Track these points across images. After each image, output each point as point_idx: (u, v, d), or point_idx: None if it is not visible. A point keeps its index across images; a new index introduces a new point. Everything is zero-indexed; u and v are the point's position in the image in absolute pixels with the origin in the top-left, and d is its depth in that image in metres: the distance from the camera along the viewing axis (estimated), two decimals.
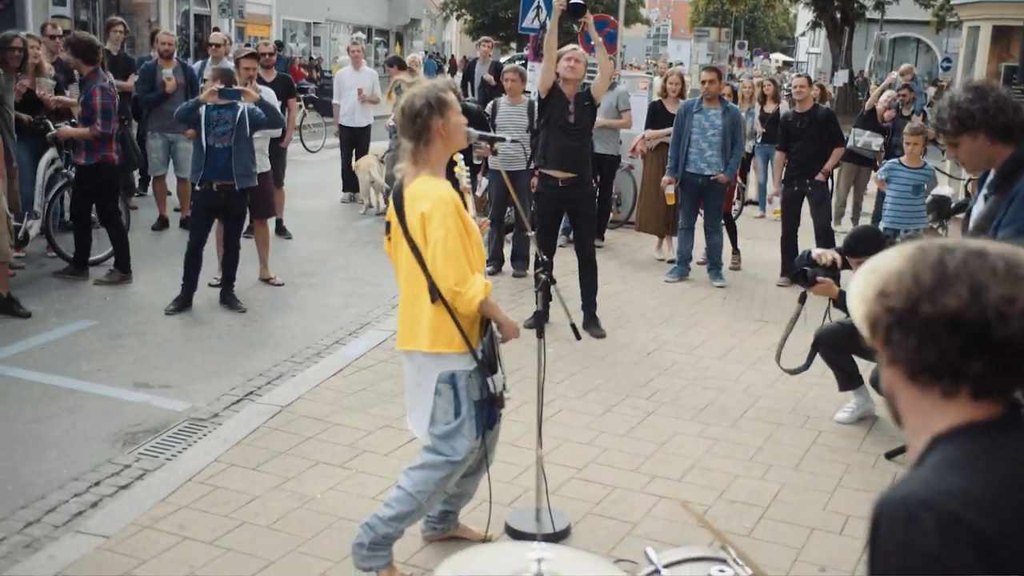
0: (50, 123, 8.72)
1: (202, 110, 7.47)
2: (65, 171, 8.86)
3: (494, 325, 3.82)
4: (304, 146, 17.71)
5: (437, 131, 3.71)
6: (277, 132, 8.81)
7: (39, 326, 7.20)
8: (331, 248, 10.44)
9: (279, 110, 8.70)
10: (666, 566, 2.79)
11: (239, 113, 7.52)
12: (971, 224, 4.07)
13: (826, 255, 5.32)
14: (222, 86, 7.40)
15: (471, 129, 3.92)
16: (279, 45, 25.14)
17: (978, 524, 1.42)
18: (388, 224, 3.89)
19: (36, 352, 6.69)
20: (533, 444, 5.10)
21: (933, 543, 1.41)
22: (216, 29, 17.51)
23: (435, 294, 3.67)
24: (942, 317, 1.52)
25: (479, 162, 9.37)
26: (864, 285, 1.67)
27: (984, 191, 3.97)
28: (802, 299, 5.47)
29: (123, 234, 8.54)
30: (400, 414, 5.64)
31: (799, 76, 9.80)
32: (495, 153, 4.21)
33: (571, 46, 7.74)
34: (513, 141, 4.41)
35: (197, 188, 7.66)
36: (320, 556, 4.16)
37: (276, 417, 5.63)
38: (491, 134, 4.26)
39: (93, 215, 8.45)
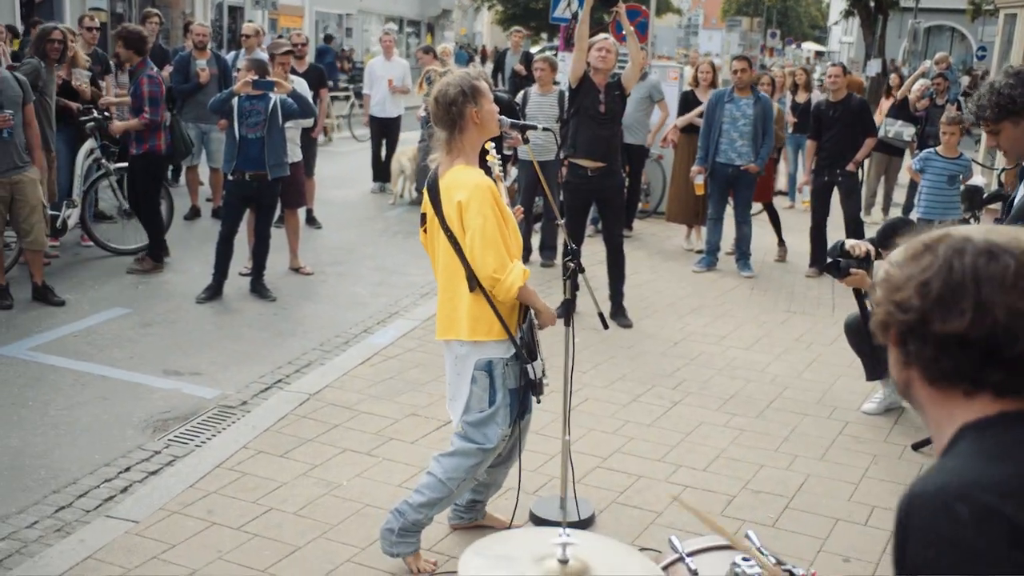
0: (95, 112, 8.88)
1: (235, 101, 7.53)
2: (103, 162, 8.98)
3: (532, 312, 3.83)
4: (353, 135, 17.93)
5: (471, 118, 3.73)
6: (309, 122, 8.86)
7: (72, 314, 7.30)
8: (360, 238, 10.49)
9: (311, 101, 8.77)
10: (690, 554, 2.80)
11: (271, 104, 7.58)
12: (1012, 213, 4.02)
13: (860, 246, 5.29)
14: (256, 77, 7.46)
15: (503, 117, 3.93)
16: (328, 38, 25.27)
17: (1014, 516, 1.41)
18: (423, 216, 3.90)
19: (69, 340, 6.79)
20: (559, 433, 5.12)
21: (971, 535, 1.40)
22: (249, 21, 17.59)
23: (473, 283, 3.69)
24: (952, 335, 1.51)
25: (509, 152, 9.37)
26: (879, 285, 1.66)
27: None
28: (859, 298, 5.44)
29: (159, 223, 8.66)
30: (427, 403, 5.71)
31: (834, 65, 9.70)
32: (526, 141, 4.19)
33: (602, 35, 7.71)
34: (545, 129, 4.39)
35: (230, 178, 7.73)
36: (346, 543, 4.20)
37: (304, 405, 5.68)
38: (522, 122, 4.25)
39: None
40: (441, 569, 4.01)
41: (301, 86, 8.63)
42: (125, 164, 8.71)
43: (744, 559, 2.73)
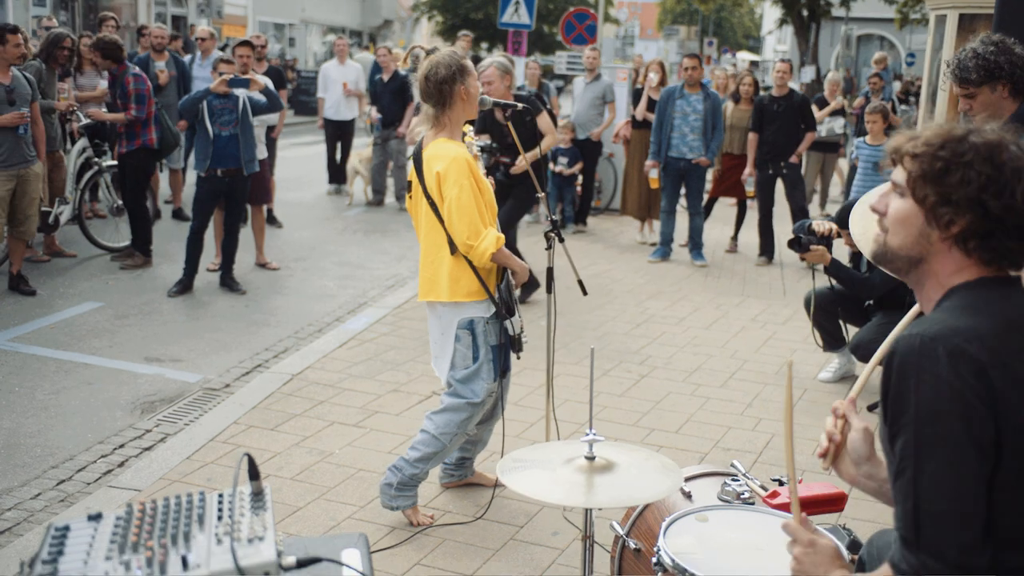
0: (80, 114, 9.10)
1: (204, 101, 7.72)
2: (95, 160, 9.12)
3: (508, 272, 4.09)
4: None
5: (459, 95, 3.98)
6: (275, 118, 9.04)
7: (45, 308, 7.40)
8: (321, 236, 10.66)
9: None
10: (687, 479, 3.08)
11: (241, 101, 7.77)
12: None
13: (824, 225, 5.62)
14: (231, 76, 7.67)
15: (485, 96, 4.19)
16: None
17: (978, 355, 1.76)
18: (409, 183, 4.15)
19: (46, 331, 6.89)
20: (537, 404, 5.40)
21: (943, 368, 1.75)
22: (193, 27, 17.63)
23: (453, 247, 3.94)
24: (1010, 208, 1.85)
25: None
26: (938, 180, 1.92)
27: None
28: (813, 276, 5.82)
29: (148, 218, 8.85)
30: (407, 380, 5.93)
31: (783, 61, 10.11)
32: (508, 119, 4.45)
33: (488, 61, 7.04)
34: (524, 107, 4.66)
35: (201, 175, 7.88)
36: (344, 502, 4.42)
37: (288, 384, 5.87)
38: (504, 101, 4.51)
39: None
40: (437, 522, 4.25)
41: (267, 85, 8.80)
42: (115, 163, 8.87)
43: (733, 479, 3.02)
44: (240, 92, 7.77)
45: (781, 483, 2.96)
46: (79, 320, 7.17)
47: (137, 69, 8.66)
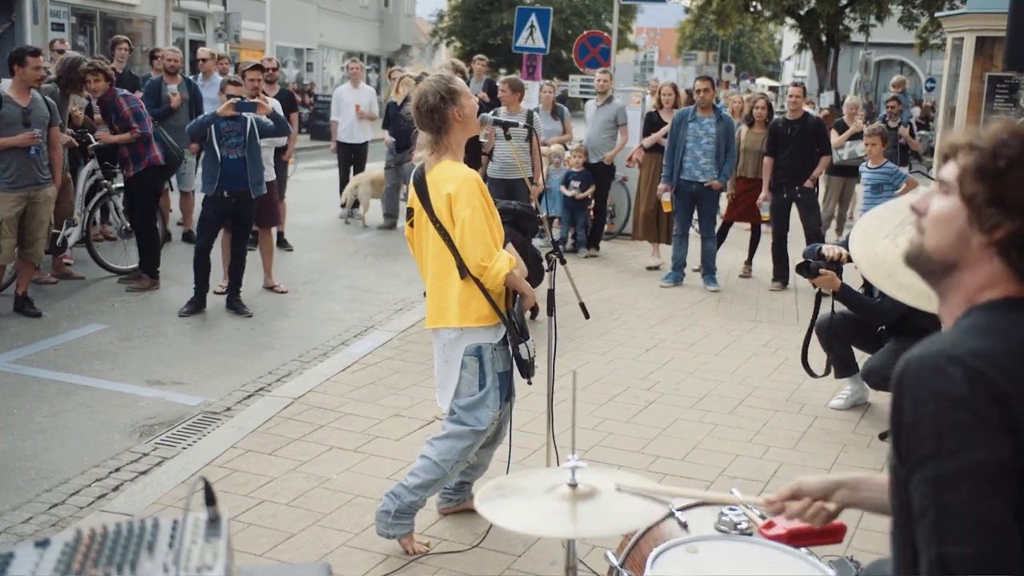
0: (92, 136, 9.15)
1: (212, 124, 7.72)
2: (105, 182, 9.13)
3: (518, 295, 4.00)
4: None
5: (453, 119, 3.91)
6: (283, 142, 9.02)
7: (50, 329, 7.36)
8: (331, 259, 10.61)
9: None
10: (679, 509, 2.96)
11: (248, 123, 7.75)
12: None
13: (834, 250, 5.51)
14: (238, 99, 7.66)
15: (485, 114, 4.11)
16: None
17: (998, 380, 1.60)
18: (410, 211, 4.06)
19: (49, 353, 6.84)
20: (541, 430, 5.28)
21: (962, 390, 1.58)
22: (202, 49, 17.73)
23: (464, 270, 3.85)
24: None
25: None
26: (994, 181, 1.78)
27: None
28: (817, 299, 5.68)
29: (156, 239, 8.83)
30: (409, 404, 5.84)
31: (795, 85, 10.03)
32: (508, 138, 4.36)
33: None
34: (525, 126, 4.57)
35: (208, 196, 7.86)
36: (339, 529, 4.32)
37: (289, 408, 5.79)
38: (503, 119, 4.43)
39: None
40: (433, 550, 4.14)
41: (276, 108, 8.79)
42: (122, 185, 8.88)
43: (731, 509, 2.90)
44: (247, 115, 7.75)
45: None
46: (83, 342, 7.12)
47: (125, 91, 8.66)
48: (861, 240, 2.75)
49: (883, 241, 2.75)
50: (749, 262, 10.27)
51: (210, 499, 1.79)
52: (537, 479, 2.32)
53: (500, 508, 2.14)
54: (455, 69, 9.55)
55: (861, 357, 6.04)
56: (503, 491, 2.25)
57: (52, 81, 8.30)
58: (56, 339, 7.15)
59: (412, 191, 4.03)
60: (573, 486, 2.18)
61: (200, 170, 8.80)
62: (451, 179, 3.83)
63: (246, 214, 7.98)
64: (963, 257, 1.77)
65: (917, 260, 1.85)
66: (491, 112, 9.91)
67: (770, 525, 2.68)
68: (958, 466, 1.57)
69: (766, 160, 9.58)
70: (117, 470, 5.02)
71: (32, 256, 7.66)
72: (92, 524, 1.81)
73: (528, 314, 7.70)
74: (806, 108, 11.34)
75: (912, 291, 2.42)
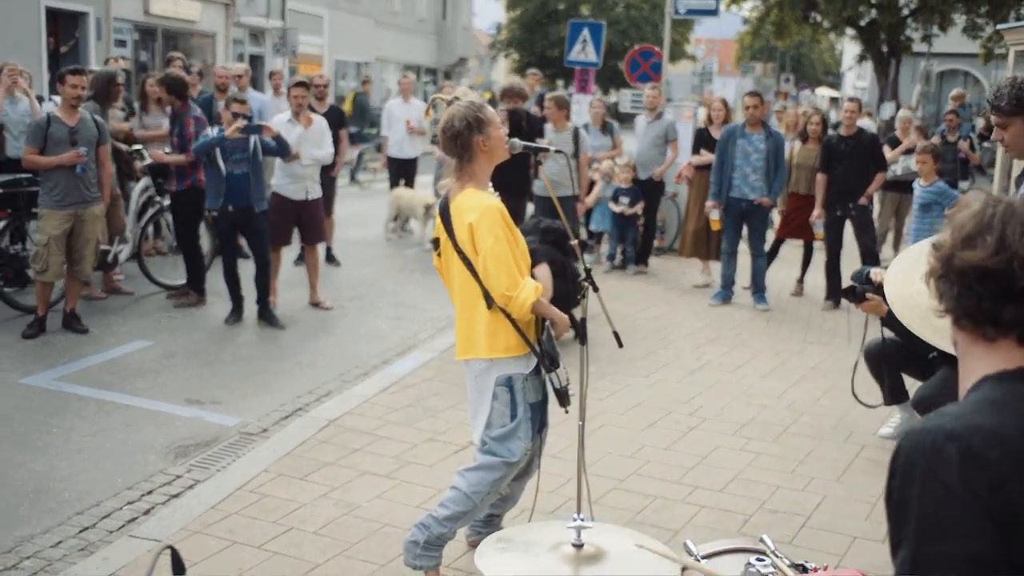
0: (144, 152, 9.26)
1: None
2: (157, 199, 9.23)
3: (548, 323, 3.90)
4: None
5: (478, 148, 3.82)
6: (328, 159, 9.01)
7: (96, 345, 7.42)
8: (379, 275, 10.60)
9: (332, 139, 8.99)
10: (704, 557, 2.84)
11: (253, 141, 7.82)
12: None
13: (882, 274, 5.32)
14: (245, 123, 7.68)
15: (515, 140, 4.02)
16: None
17: (998, 462, 1.49)
18: (436, 240, 3.99)
19: (93, 370, 6.89)
20: (574, 456, 5.16)
21: (953, 474, 1.48)
22: (235, 64, 17.89)
23: (490, 300, 3.76)
24: (971, 267, 1.61)
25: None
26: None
27: (1022, 189, 3.94)
28: (866, 326, 5.48)
29: (201, 256, 8.91)
30: (445, 428, 5.76)
31: (851, 100, 9.80)
32: (540, 163, 4.29)
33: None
34: (557, 151, 4.46)
35: (214, 214, 7.98)
36: (366, 560, 4.24)
37: (324, 430, 5.74)
38: (535, 144, 4.33)
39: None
40: None
41: (321, 125, 8.81)
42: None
43: (758, 559, 2.77)
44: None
45: (805, 569, 2.69)
46: (126, 359, 7.17)
47: (199, 111, 8.73)
48: (896, 280, 2.61)
49: (918, 283, 2.61)
50: (801, 280, 10.05)
51: (178, 568, 1.72)
52: (543, 533, 2.21)
53: (498, 565, 2.04)
54: (514, 92, 9.44)
55: (912, 384, 5.82)
56: (505, 545, 2.15)
57: (90, 98, 8.38)
58: (100, 356, 7.21)
59: (438, 220, 3.96)
60: (578, 547, 2.07)
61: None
62: (473, 208, 3.75)
63: (255, 225, 8.07)
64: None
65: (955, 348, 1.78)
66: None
67: None
68: (936, 553, 1.49)
69: (819, 177, 9.34)
70: (150, 492, 5.01)
71: (80, 273, 7.74)
72: None
73: (573, 335, 7.61)
74: (865, 120, 11.09)
75: (948, 336, 2.29)
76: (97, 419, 5.99)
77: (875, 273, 5.36)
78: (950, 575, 1.47)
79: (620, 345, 4.45)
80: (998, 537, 1.47)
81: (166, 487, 5.07)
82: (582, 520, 2.11)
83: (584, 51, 15.10)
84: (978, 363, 1.66)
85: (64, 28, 19.47)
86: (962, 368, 1.72)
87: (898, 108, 29.12)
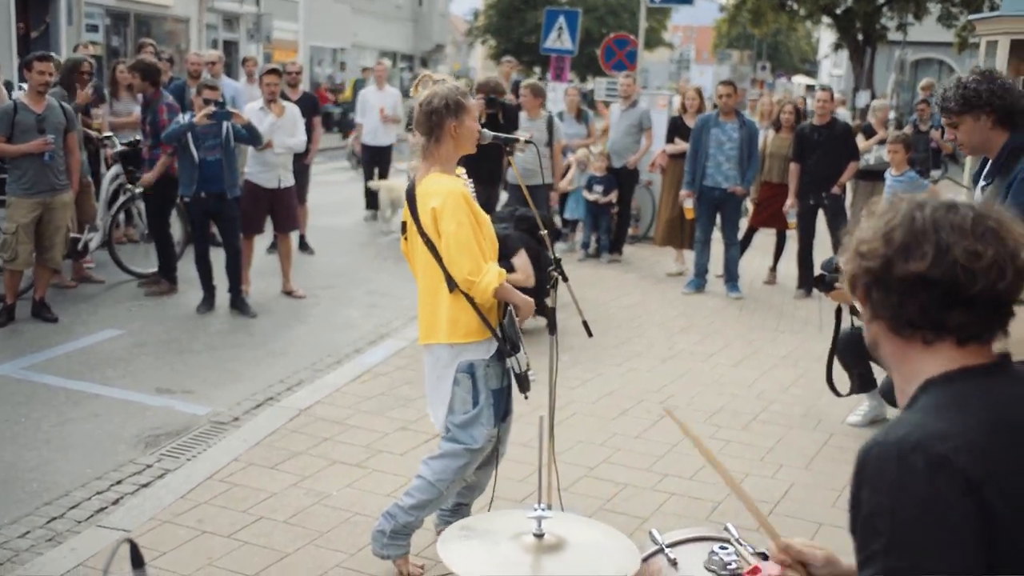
0: (115, 140, 9.21)
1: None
2: (128, 186, 9.15)
3: (511, 308, 3.91)
4: None
5: (449, 131, 3.82)
6: (301, 147, 8.96)
7: (65, 335, 7.37)
8: (352, 263, 10.57)
9: (304, 127, 8.95)
10: (669, 545, 2.86)
11: (225, 127, 7.78)
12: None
13: None
14: (214, 109, 7.63)
15: (485, 131, 4.02)
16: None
17: (966, 466, 1.48)
18: (404, 224, 3.99)
19: (62, 359, 6.84)
20: (545, 447, 5.17)
21: (922, 485, 1.48)
22: (205, 51, 17.76)
23: (452, 284, 3.77)
24: (914, 276, 1.60)
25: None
26: (848, 247, 1.76)
27: (982, 182, 3.98)
28: (838, 314, 5.51)
29: (170, 243, 8.86)
30: (416, 417, 5.76)
31: (823, 89, 9.84)
32: (510, 153, 4.29)
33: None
34: (527, 142, 4.46)
35: (186, 200, 7.93)
36: (336, 549, 4.24)
37: (295, 420, 5.73)
38: (505, 135, 4.33)
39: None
40: (428, 574, 4.06)
41: (293, 113, 8.76)
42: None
43: (722, 547, 2.79)
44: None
45: (765, 556, 2.72)
46: (96, 348, 7.12)
47: (171, 98, 8.66)
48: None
49: None
50: (774, 269, 10.11)
51: (137, 562, 1.71)
52: (506, 522, 2.22)
53: (460, 552, 2.05)
54: (489, 87, 9.39)
55: (880, 373, 5.87)
56: (468, 533, 2.16)
57: (56, 84, 8.28)
58: (70, 345, 7.16)
59: (405, 204, 3.96)
60: (539, 536, 2.08)
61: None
62: (437, 193, 3.75)
63: (227, 212, 8.03)
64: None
65: (873, 352, 1.79)
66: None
67: (756, 571, 2.57)
68: (907, 568, 1.47)
69: (792, 166, 9.39)
70: (119, 482, 4.98)
71: (49, 262, 7.68)
72: (31, 571, 1.74)
73: (546, 323, 7.62)
74: (840, 109, 11.16)
75: None
76: (66, 409, 5.95)
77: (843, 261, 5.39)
78: None
79: (590, 335, 4.46)
80: (974, 546, 1.46)
81: (135, 477, 5.04)
82: (544, 509, 2.12)
83: (560, 39, 15.07)
84: (918, 367, 1.66)
85: (35, 13, 19.23)
86: (898, 372, 1.71)
87: (873, 97, 29.28)
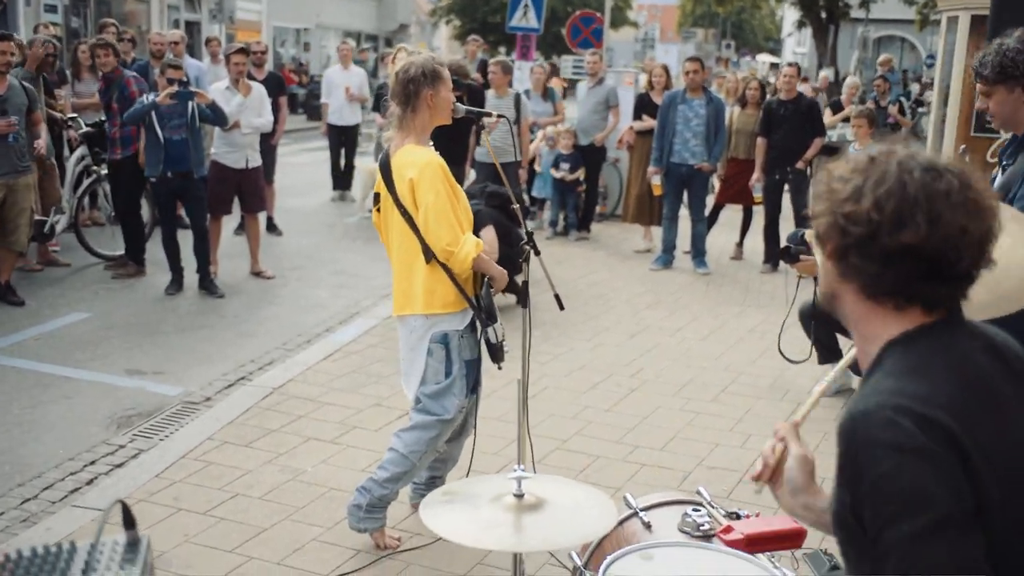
0: (80, 121, 9.13)
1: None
2: (94, 168, 9.06)
3: (487, 279, 3.95)
4: None
5: (425, 100, 3.84)
6: (268, 127, 8.92)
7: (32, 318, 7.32)
8: (321, 243, 10.56)
9: (271, 107, 8.91)
10: (643, 509, 2.92)
11: (191, 106, 7.74)
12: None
13: None
14: (177, 88, 7.58)
15: (459, 104, 4.04)
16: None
17: (947, 423, 1.55)
18: (377, 195, 4.01)
19: (30, 343, 6.80)
20: (519, 418, 5.22)
21: (920, 440, 1.53)
22: (166, 30, 17.53)
23: (429, 255, 3.80)
24: (903, 249, 1.61)
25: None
26: (822, 199, 1.76)
27: (1005, 160, 3.76)
28: (797, 286, 5.61)
29: (141, 226, 8.82)
30: (389, 394, 5.79)
31: (789, 65, 9.95)
32: (482, 127, 4.32)
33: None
34: (500, 116, 4.49)
35: (152, 181, 7.91)
36: (312, 523, 4.28)
37: (268, 398, 5.75)
38: (477, 109, 4.36)
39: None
40: (405, 546, 4.10)
41: (260, 93, 8.72)
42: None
43: (695, 509, 2.86)
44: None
45: (737, 516, 2.79)
46: (64, 331, 7.08)
47: (134, 72, 8.61)
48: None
49: None
50: (740, 244, 10.21)
51: (129, 522, 1.74)
52: (486, 486, 2.27)
53: (443, 516, 2.09)
54: (452, 69, 9.39)
55: (846, 344, 5.98)
56: (450, 498, 2.20)
57: (19, 65, 8.19)
58: (38, 328, 7.11)
59: (378, 175, 3.98)
60: (519, 496, 2.13)
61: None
62: (414, 164, 3.78)
63: (194, 193, 8.02)
64: (838, 290, 1.76)
65: (828, 304, 1.81)
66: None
67: (728, 530, 2.63)
68: (930, 521, 1.52)
69: (759, 140, 9.49)
70: (92, 463, 4.98)
71: (14, 245, 7.60)
72: (7, 549, 1.76)
73: (515, 300, 7.67)
74: (802, 85, 11.25)
75: None
76: (36, 392, 5.92)
77: (809, 235, 5.48)
78: (952, 536, 1.50)
79: (561, 308, 4.50)
80: (969, 492, 1.53)
81: (109, 457, 5.04)
82: (523, 471, 2.17)
83: (526, 17, 15.04)
84: (881, 329, 1.70)
85: None
86: (859, 332, 1.75)
87: (837, 75, 29.50)
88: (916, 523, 1.52)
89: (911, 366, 1.65)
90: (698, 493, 3.05)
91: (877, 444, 1.56)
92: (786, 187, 9.52)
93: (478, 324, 3.96)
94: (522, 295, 4.28)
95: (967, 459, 1.55)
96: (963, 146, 7.05)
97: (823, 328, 5.95)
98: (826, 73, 23.25)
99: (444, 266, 3.80)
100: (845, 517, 1.64)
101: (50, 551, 1.72)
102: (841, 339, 6.01)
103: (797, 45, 49.81)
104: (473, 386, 4.07)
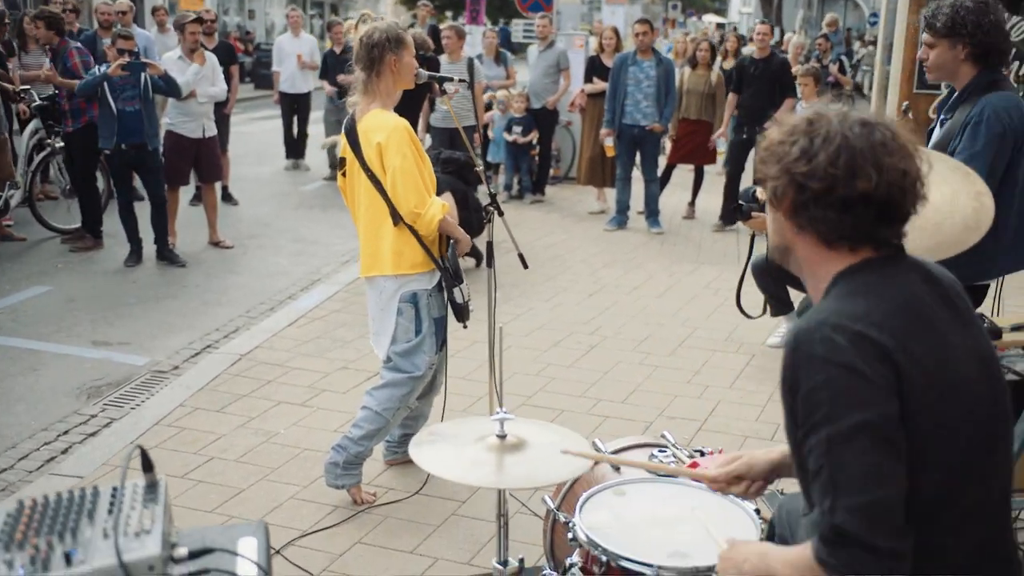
0: (34, 94, 9.06)
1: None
2: (48, 141, 8.99)
3: (452, 241, 4.08)
4: None
5: (389, 65, 3.94)
6: (222, 96, 8.91)
7: None
8: (277, 212, 10.58)
9: (224, 76, 8.91)
10: (612, 452, 3.09)
11: (143, 77, 7.73)
12: (929, 148, 4.14)
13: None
14: (128, 59, 7.57)
15: (421, 70, 4.14)
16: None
17: (879, 339, 1.77)
18: (342, 160, 4.11)
19: None
20: (484, 378, 5.38)
21: (848, 355, 1.75)
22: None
23: (397, 218, 3.91)
24: (859, 196, 1.83)
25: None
26: (770, 162, 1.95)
27: (943, 115, 3.94)
28: (752, 241, 5.77)
29: (97, 198, 8.80)
30: (356, 357, 5.91)
31: (762, 23, 10.11)
32: (443, 92, 4.42)
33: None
34: (461, 81, 4.61)
35: (107, 152, 7.89)
36: (288, 483, 4.40)
37: (236, 364, 5.84)
38: (439, 74, 4.46)
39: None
40: (380, 500, 4.25)
41: (213, 62, 8.70)
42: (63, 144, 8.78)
43: (660, 450, 3.04)
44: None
45: (702, 453, 2.97)
46: (26, 305, 7.09)
47: (79, 44, 8.55)
48: None
49: None
50: (692, 203, 10.40)
51: (147, 465, 1.87)
52: (470, 428, 2.42)
53: (430, 454, 2.24)
54: (419, 43, 9.41)
55: (796, 297, 6.19)
56: (435, 438, 2.35)
57: None
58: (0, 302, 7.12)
59: (344, 140, 4.07)
60: (502, 437, 2.28)
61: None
62: (381, 128, 3.88)
63: (150, 164, 8.02)
64: (788, 240, 1.97)
65: (781, 258, 2.01)
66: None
67: (694, 465, 2.81)
68: (849, 425, 1.72)
69: (730, 97, 9.66)
70: (65, 433, 5.06)
71: None
72: (34, 494, 1.87)
73: (474, 263, 7.81)
74: (744, 48, 11.43)
75: None
76: (2, 365, 5.96)
77: (761, 192, 5.65)
78: (867, 440, 1.71)
79: (525, 266, 4.64)
80: (895, 400, 1.74)
81: (82, 427, 5.12)
82: (505, 413, 2.32)
83: None
84: (831, 267, 1.91)
85: None
86: (813, 275, 1.95)
87: (783, 34, 29.76)
88: (833, 428, 1.73)
89: (853, 290, 1.87)
90: (663, 436, 3.23)
91: (813, 357, 1.77)
92: (753, 148, 9.69)
93: (444, 284, 4.10)
94: (487, 255, 4.42)
95: (899, 371, 1.76)
96: (906, 102, 7.26)
97: (774, 282, 6.15)
98: None
99: (411, 228, 3.92)
100: (788, 425, 1.87)
101: (74, 495, 1.84)
102: (792, 292, 6.22)
103: (743, 5, 50.03)
104: (441, 344, 4.21)
